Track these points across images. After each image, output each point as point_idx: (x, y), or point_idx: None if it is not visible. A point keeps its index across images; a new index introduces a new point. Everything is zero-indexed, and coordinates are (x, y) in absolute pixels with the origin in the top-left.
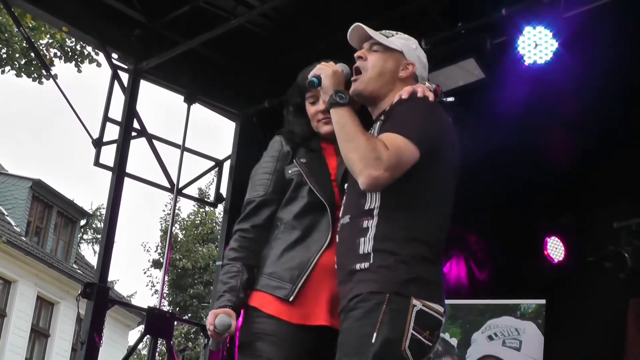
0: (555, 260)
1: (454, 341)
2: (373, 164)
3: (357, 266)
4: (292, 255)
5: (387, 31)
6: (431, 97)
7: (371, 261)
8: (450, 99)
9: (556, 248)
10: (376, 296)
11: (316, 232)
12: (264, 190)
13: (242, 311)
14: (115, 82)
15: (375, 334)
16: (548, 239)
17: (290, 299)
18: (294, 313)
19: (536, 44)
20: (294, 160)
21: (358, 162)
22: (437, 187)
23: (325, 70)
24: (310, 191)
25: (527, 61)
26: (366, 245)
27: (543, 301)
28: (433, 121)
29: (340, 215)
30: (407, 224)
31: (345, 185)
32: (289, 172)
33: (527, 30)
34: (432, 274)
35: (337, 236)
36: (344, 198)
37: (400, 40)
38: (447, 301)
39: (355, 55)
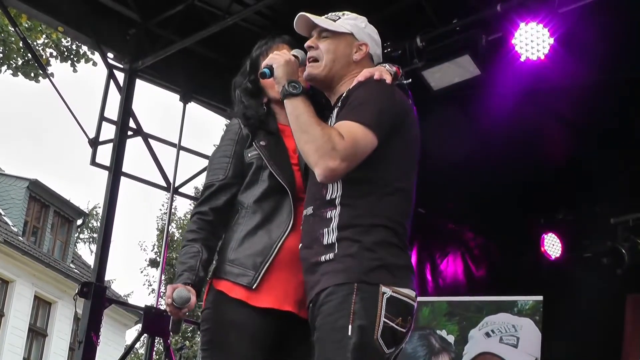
0: (553, 257)
1: (451, 338)
2: (329, 155)
3: (322, 257)
4: (254, 241)
5: (333, 14)
6: (388, 79)
7: (336, 251)
8: (408, 80)
9: (553, 244)
10: (344, 287)
11: (278, 217)
12: (223, 174)
13: (206, 292)
14: (111, 82)
15: (350, 326)
16: (545, 236)
17: (254, 287)
18: (260, 298)
19: (531, 40)
20: (253, 143)
21: (314, 154)
22: (398, 171)
23: (277, 60)
24: (271, 175)
25: (523, 57)
26: (330, 235)
27: (540, 298)
28: (390, 104)
29: (303, 206)
30: (369, 211)
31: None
32: (249, 155)
33: (522, 26)
34: (399, 258)
35: (300, 227)
36: (307, 189)
37: (348, 22)
38: (444, 298)
39: (306, 45)
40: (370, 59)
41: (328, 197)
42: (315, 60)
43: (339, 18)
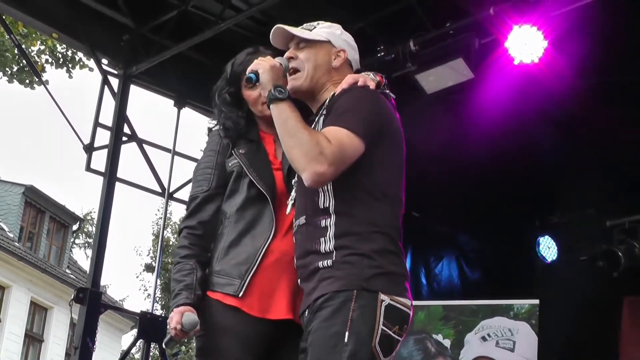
0: (548, 260)
1: (447, 342)
2: (316, 159)
3: (320, 264)
4: (238, 250)
5: (308, 24)
6: (372, 85)
7: (334, 258)
8: (392, 95)
9: (549, 247)
10: (343, 294)
11: (260, 224)
12: (207, 185)
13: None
14: (106, 88)
15: (347, 333)
16: (540, 239)
17: (240, 295)
18: (252, 305)
19: (524, 43)
20: (233, 152)
21: (301, 158)
22: (387, 176)
23: (262, 65)
24: (251, 182)
25: (516, 61)
26: (327, 243)
27: (536, 301)
28: (375, 110)
29: (285, 210)
30: (365, 218)
31: (293, 181)
32: (229, 164)
33: (516, 29)
34: (397, 266)
35: (293, 237)
36: (296, 199)
37: (324, 30)
38: (439, 302)
39: (285, 56)
40: (349, 65)
41: (321, 206)
42: (296, 70)
43: (314, 27)
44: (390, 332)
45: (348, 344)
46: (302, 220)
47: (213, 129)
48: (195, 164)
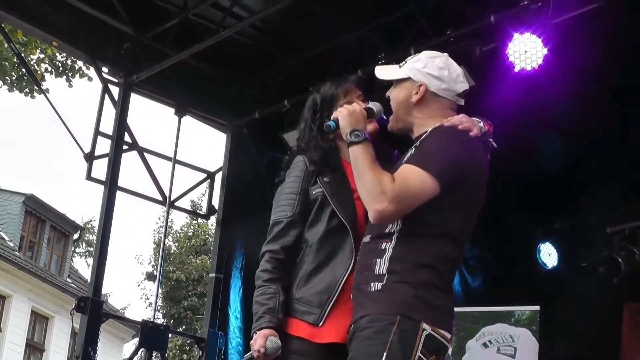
0: (549, 266)
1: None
2: (377, 198)
3: (372, 285)
4: (319, 279)
5: (408, 58)
6: (474, 132)
7: (384, 282)
8: (494, 144)
9: (550, 254)
10: (387, 317)
11: (341, 254)
12: (291, 211)
13: None
14: (106, 96)
15: (385, 354)
16: (541, 245)
17: (320, 324)
18: (322, 335)
19: (525, 51)
20: (318, 179)
21: (365, 198)
22: (457, 221)
23: (342, 113)
24: (333, 212)
25: (517, 68)
26: (382, 266)
27: (537, 307)
28: (460, 153)
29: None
30: (421, 250)
31: None
32: (314, 192)
33: (516, 37)
34: (441, 300)
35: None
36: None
37: (407, 65)
38: None
39: (386, 96)
40: (436, 96)
41: (387, 230)
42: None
43: (405, 63)
44: None
45: None
46: (367, 238)
47: (294, 150)
48: (195, 172)
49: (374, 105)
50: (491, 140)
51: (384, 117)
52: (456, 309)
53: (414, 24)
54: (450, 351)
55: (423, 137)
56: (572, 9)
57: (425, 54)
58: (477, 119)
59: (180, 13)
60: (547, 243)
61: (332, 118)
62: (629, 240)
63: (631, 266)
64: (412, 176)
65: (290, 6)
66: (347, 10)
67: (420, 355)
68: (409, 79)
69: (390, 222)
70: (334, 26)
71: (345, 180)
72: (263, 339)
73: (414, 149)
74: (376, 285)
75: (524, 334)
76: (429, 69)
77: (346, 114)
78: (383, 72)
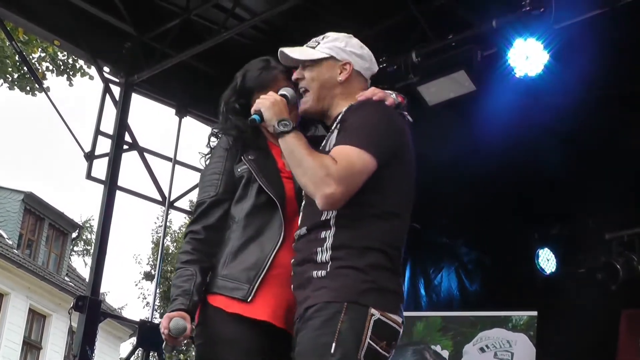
0: (547, 272)
1: (445, 353)
2: (324, 181)
3: (315, 273)
4: (246, 255)
5: (313, 40)
6: (389, 102)
7: (328, 269)
8: (409, 118)
9: (548, 259)
10: (334, 305)
11: (269, 230)
12: (214, 191)
13: (197, 313)
14: (107, 96)
15: (334, 344)
16: (540, 251)
17: (248, 300)
18: (256, 310)
19: (527, 56)
20: (242, 157)
21: (310, 184)
22: (395, 196)
23: (264, 104)
24: (260, 188)
25: (518, 73)
26: (323, 254)
27: (535, 313)
28: (389, 128)
29: (294, 219)
30: (364, 233)
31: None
32: (238, 170)
33: (518, 42)
34: (391, 283)
35: (292, 242)
36: (301, 210)
37: (327, 45)
38: (438, 313)
39: (293, 78)
40: (359, 75)
41: (323, 218)
42: (306, 90)
43: (318, 44)
44: (377, 347)
45: (334, 354)
46: (303, 230)
47: (216, 134)
48: (195, 172)
49: (286, 91)
50: (406, 113)
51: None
52: (453, 313)
53: (415, 28)
54: (447, 355)
55: (340, 116)
56: (575, 15)
57: (337, 34)
58: (389, 92)
59: (182, 13)
60: (546, 248)
61: (253, 111)
62: (628, 246)
63: (629, 272)
64: (352, 154)
65: (292, 8)
66: (348, 13)
67: (370, 341)
68: (330, 57)
69: (340, 205)
70: (335, 29)
71: (271, 159)
72: (167, 320)
73: (336, 130)
74: (319, 273)
75: (521, 339)
76: (352, 47)
77: (269, 105)
78: (298, 53)
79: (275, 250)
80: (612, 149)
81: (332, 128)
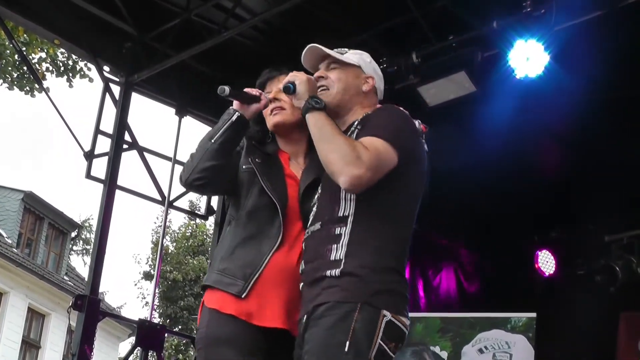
0: (546, 274)
1: (444, 354)
2: (354, 163)
3: (328, 272)
4: (244, 252)
5: (340, 49)
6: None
7: (342, 268)
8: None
9: (547, 261)
10: (347, 305)
11: (267, 231)
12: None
13: (200, 311)
14: (107, 95)
15: (348, 343)
16: (539, 252)
17: (243, 296)
18: (251, 313)
19: (527, 58)
20: (249, 158)
21: (339, 161)
22: (408, 200)
23: (299, 77)
24: (262, 190)
25: (519, 74)
26: (338, 251)
27: (534, 314)
28: (408, 128)
29: (294, 224)
30: (380, 234)
31: (315, 194)
32: (243, 167)
33: (519, 43)
34: (400, 286)
35: (303, 243)
36: (315, 206)
37: (355, 55)
38: (437, 314)
39: (316, 76)
40: (375, 94)
41: (340, 214)
42: (327, 89)
43: (346, 52)
44: (386, 348)
45: (348, 353)
46: (317, 226)
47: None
48: None
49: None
50: (422, 138)
51: None
52: (452, 314)
53: (416, 30)
54: (446, 356)
55: (359, 119)
56: (575, 17)
57: (360, 51)
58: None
59: (182, 13)
60: (545, 250)
61: (286, 81)
62: (627, 249)
63: (628, 275)
64: (379, 146)
65: (292, 9)
66: (349, 14)
67: (381, 342)
68: (359, 67)
69: (362, 189)
70: (335, 31)
71: (277, 164)
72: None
73: (358, 128)
74: (333, 272)
75: (520, 341)
76: (374, 66)
77: (305, 80)
78: (334, 52)
79: (271, 252)
80: (612, 150)
81: (350, 130)
